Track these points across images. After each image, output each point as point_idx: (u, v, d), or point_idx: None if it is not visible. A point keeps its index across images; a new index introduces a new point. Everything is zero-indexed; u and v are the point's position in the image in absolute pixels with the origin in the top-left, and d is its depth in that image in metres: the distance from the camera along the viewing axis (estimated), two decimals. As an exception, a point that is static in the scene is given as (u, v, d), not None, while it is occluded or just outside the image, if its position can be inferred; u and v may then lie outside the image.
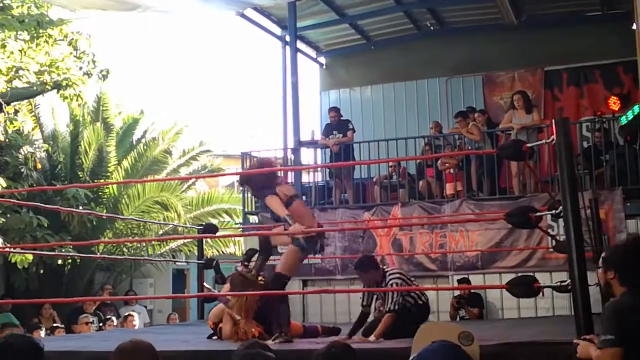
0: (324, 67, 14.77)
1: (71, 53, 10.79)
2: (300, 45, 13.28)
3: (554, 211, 4.33)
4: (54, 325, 10.63)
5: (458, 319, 9.05)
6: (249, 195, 11.73)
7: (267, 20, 13.16)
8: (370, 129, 13.01)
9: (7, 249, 9.54)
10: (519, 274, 5.16)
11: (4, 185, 9.27)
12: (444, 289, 9.55)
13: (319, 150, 12.07)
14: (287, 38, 12.70)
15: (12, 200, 9.13)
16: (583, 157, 9.93)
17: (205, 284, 9.84)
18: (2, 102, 10.01)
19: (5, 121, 10.16)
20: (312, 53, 14.54)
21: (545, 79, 12.63)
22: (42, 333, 10.01)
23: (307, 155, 12.65)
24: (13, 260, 9.68)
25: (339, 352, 3.49)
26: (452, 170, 10.50)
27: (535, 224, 4.49)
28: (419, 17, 13.44)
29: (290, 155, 12.20)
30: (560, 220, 4.97)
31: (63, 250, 11.36)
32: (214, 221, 15.11)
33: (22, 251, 9.57)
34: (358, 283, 10.16)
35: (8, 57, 10.10)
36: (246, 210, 11.73)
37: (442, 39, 13.54)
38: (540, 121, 10.28)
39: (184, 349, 5.61)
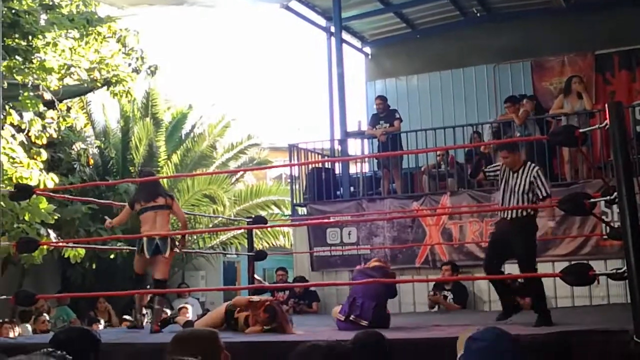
0: (370, 57, 14.72)
1: (120, 50, 10.96)
2: (345, 36, 13.26)
3: (608, 197, 4.25)
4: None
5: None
6: (297, 187, 11.80)
7: (311, 11, 13.17)
8: (417, 118, 12.92)
9: (60, 244, 9.73)
10: (573, 262, 5.07)
11: (57, 181, 9.46)
12: (494, 278, 9.40)
13: (366, 140, 12.04)
14: (332, 29, 12.70)
15: (66, 196, 9.35)
16: (637, 142, 9.71)
17: (255, 275, 9.93)
18: (55, 100, 10.21)
19: (58, 118, 10.36)
20: (358, 43, 14.49)
21: (596, 63, 12.34)
22: (101, 326, 10.25)
23: (355, 146, 12.64)
24: (66, 255, 9.89)
25: (365, 338, 3.48)
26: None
27: (589, 211, 4.41)
28: (464, 3, 13.28)
29: (337, 146, 12.20)
30: (614, 207, 4.87)
31: (116, 244, 11.57)
32: (263, 213, 15.23)
33: (75, 245, 9.77)
34: (407, 273, 10.17)
35: (60, 55, 10.30)
36: (295, 202, 11.78)
37: (488, 25, 13.36)
38: (592, 106, 10.07)
39: (237, 340, 5.67)
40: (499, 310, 6.84)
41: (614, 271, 4.17)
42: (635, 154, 9.13)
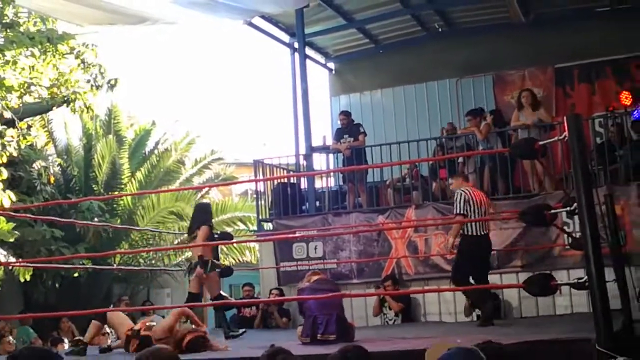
0: (334, 72, 14.78)
1: (79, 65, 10.85)
2: (309, 51, 13.29)
3: (568, 208, 4.31)
4: (76, 338, 10.69)
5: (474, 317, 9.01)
6: (263, 202, 11.78)
7: (275, 28, 13.19)
8: (381, 132, 12.98)
9: (20, 263, 9.58)
10: (536, 273, 5.13)
11: (14, 199, 9.31)
12: (458, 290, 9.48)
13: (331, 155, 12.07)
14: (296, 45, 12.72)
15: (27, 215, 9.19)
16: (597, 153, 9.87)
17: (221, 292, 9.86)
18: (15, 118, 10.09)
19: (18, 137, 10.23)
20: (321, 59, 14.54)
21: (556, 76, 12.54)
22: (66, 346, 10.07)
23: (320, 161, 12.65)
24: (16, 273, 9.71)
25: (354, 355, 3.48)
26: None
27: (550, 222, 4.47)
28: (426, 19, 13.42)
29: (302, 161, 12.21)
30: (576, 217, 4.94)
31: (80, 262, 11.42)
32: (229, 229, 15.15)
33: (38, 265, 9.62)
34: (374, 286, 10.18)
35: (20, 73, 10.18)
36: (260, 217, 11.74)
37: (450, 39, 13.51)
38: (552, 119, 10.22)
39: (205, 358, 5.64)
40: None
41: (576, 281, 4.22)
42: (595, 165, 9.28)
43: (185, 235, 8.43)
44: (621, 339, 3.94)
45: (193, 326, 6.71)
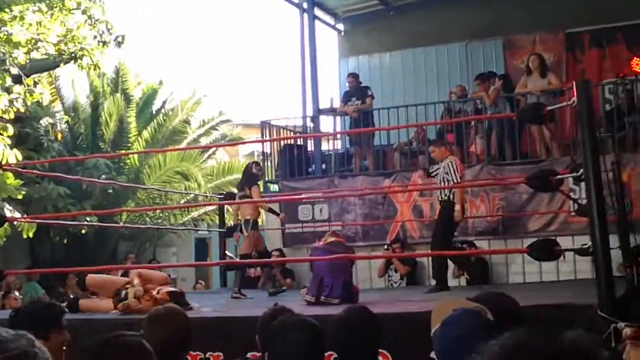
0: (343, 34, 14.65)
1: (85, 21, 10.77)
2: (318, 12, 13.17)
3: (574, 174, 4.30)
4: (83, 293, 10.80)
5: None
6: (269, 164, 11.78)
7: (284, -13, 13.05)
8: (389, 95, 12.90)
9: (26, 219, 9.62)
10: (540, 238, 5.13)
11: (20, 158, 9.31)
12: (465, 254, 9.51)
13: (338, 117, 12.03)
14: (305, 5, 12.60)
15: (34, 172, 9.22)
16: (605, 120, 9.81)
17: (227, 252, 9.92)
18: (22, 75, 10.05)
19: (24, 93, 10.19)
20: (330, 20, 14.40)
21: (567, 41, 12.40)
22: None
23: (327, 123, 12.61)
24: (19, 229, 9.73)
25: (359, 317, 3.50)
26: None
27: (556, 187, 4.47)
28: (437, -20, 13.24)
29: (309, 124, 12.17)
30: (583, 184, 4.93)
31: (87, 219, 11.47)
32: (235, 190, 15.16)
33: (43, 221, 9.66)
34: (379, 249, 10.23)
35: (27, 29, 10.11)
36: (266, 178, 11.76)
37: (461, 3, 13.31)
38: (562, 85, 10.14)
39: (209, 316, 5.70)
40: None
41: (580, 247, 4.23)
42: (603, 132, 9.22)
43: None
44: (623, 305, 3.96)
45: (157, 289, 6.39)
